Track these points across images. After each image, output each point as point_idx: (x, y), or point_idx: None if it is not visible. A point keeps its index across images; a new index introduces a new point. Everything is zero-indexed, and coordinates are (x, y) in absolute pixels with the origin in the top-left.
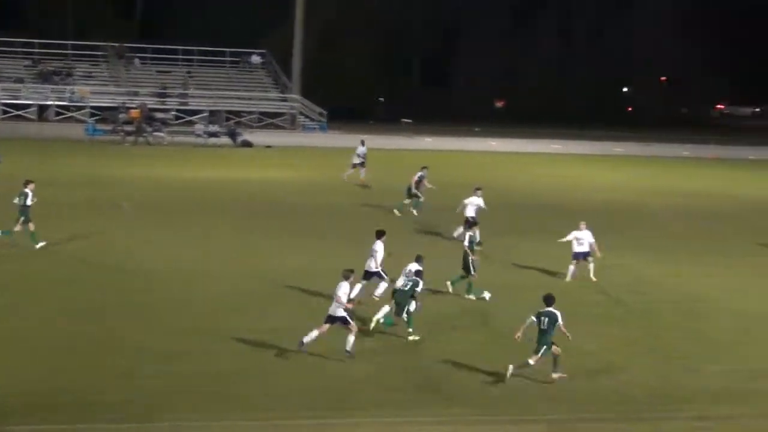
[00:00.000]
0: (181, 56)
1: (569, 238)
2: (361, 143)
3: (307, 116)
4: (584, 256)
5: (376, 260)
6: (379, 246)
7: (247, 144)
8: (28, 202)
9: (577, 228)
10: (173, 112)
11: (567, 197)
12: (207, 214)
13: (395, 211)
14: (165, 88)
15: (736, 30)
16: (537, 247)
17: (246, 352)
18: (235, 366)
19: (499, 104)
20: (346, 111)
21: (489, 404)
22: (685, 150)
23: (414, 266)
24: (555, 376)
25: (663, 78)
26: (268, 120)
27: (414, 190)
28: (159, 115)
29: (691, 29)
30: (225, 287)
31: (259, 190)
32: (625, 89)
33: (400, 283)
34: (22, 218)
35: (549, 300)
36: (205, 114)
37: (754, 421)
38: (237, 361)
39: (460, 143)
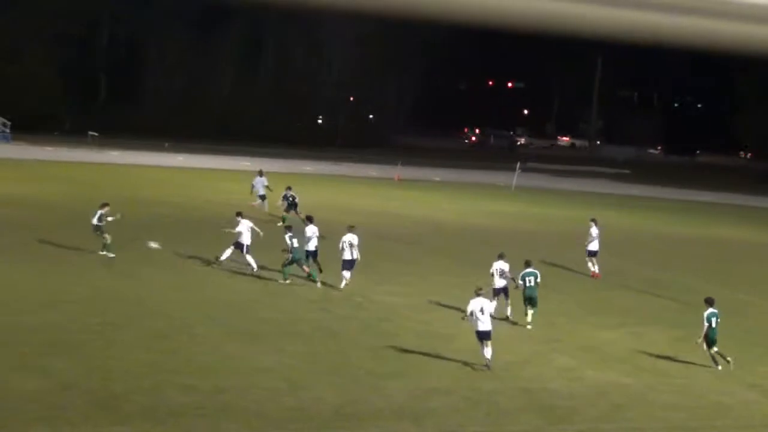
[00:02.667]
0: None
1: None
2: (259, 174)
3: None
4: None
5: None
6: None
7: None
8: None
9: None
10: None
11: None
12: None
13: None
14: None
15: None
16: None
17: None
18: None
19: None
20: (30, 121)
21: (162, 420)
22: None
23: (501, 264)
24: None
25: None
26: None
27: None
28: None
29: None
30: None
31: None
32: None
33: (500, 283)
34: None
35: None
36: None
37: None
38: None
39: (147, 158)
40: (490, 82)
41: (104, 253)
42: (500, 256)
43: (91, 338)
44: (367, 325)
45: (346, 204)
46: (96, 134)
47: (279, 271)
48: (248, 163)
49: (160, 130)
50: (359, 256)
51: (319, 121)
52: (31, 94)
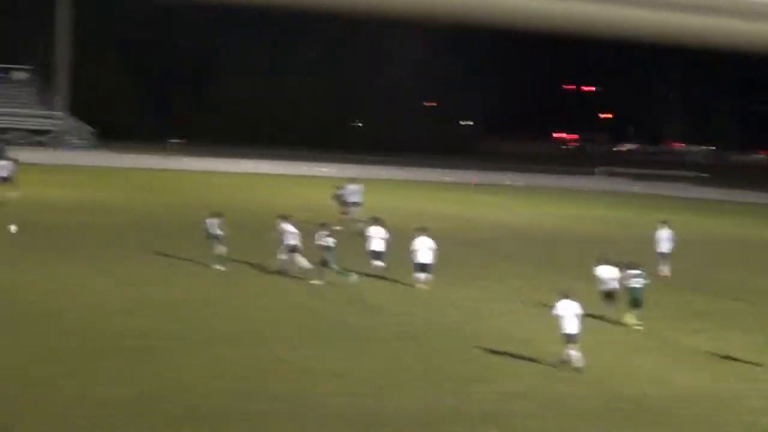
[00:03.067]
0: None
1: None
2: (344, 187)
3: (73, 134)
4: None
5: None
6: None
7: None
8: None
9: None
10: None
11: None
12: None
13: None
14: None
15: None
16: None
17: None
18: None
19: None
20: (113, 130)
21: (250, 427)
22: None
23: (607, 268)
24: None
25: (430, 103)
26: (34, 137)
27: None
28: None
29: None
30: None
31: (24, 208)
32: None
33: (607, 286)
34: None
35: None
36: None
37: None
38: None
39: (226, 165)
40: (568, 86)
41: (218, 267)
42: (603, 260)
43: (171, 345)
44: (447, 328)
45: (421, 209)
46: (176, 141)
47: (339, 273)
48: (326, 169)
49: (239, 137)
50: (434, 260)
51: (396, 126)
52: (113, 103)
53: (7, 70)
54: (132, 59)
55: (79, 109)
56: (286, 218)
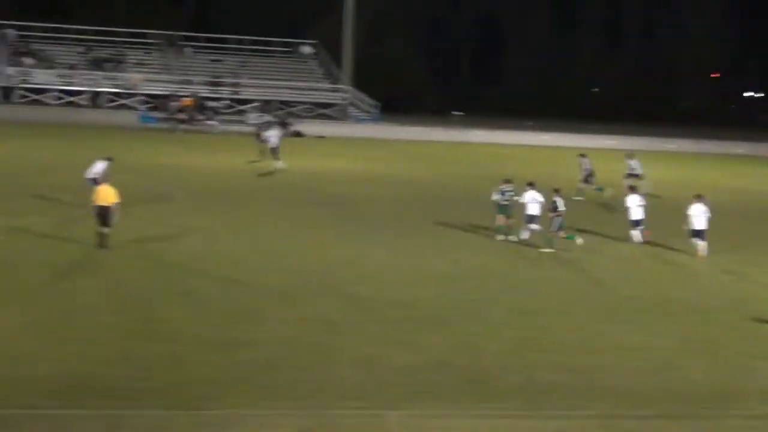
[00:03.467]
0: (232, 45)
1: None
2: (628, 156)
3: (358, 107)
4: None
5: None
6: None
7: (298, 134)
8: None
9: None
10: (225, 101)
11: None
12: (256, 203)
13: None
14: (217, 77)
15: None
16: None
17: (292, 341)
18: (282, 355)
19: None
20: (396, 102)
21: (533, 398)
22: (739, 147)
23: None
24: None
25: (715, 74)
26: (320, 110)
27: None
28: (211, 104)
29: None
30: (272, 276)
31: (310, 179)
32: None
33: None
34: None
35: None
36: (256, 103)
37: None
38: (283, 350)
39: (511, 137)
40: None
41: (503, 237)
42: None
43: (460, 314)
44: (736, 303)
45: (701, 181)
46: (459, 113)
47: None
48: (610, 142)
49: (522, 109)
50: (707, 227)
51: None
52: (397, 77)
53: (295, 45)
54: (417, 34)
55: (363, 82)
56: (533, 184)
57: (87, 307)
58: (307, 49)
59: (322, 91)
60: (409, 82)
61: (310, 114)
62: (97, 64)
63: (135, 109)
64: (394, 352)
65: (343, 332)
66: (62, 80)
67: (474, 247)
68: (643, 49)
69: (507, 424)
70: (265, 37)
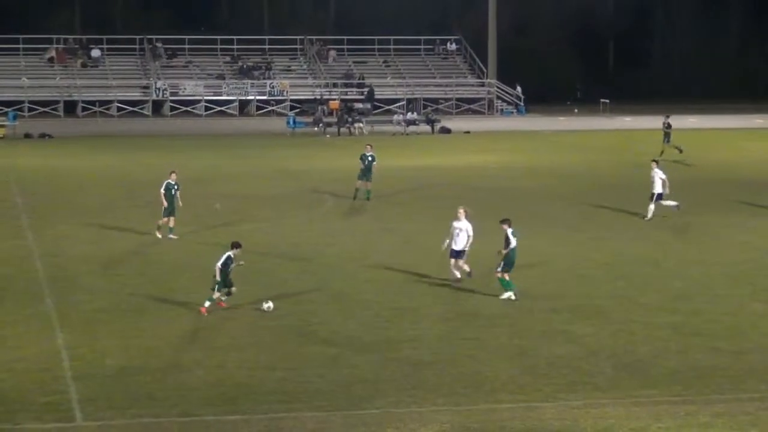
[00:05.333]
0: (376, 46)
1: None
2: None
3: (504, 100)
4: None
5: None
6: None
7: (445, 131)
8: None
9: None
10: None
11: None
12: (407, 201)
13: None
14: (363, 78)
15: None
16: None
17: (444, 338)
18: (435, 353)
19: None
20: (542, 93)
21: (690, 383)
22: None
23: None
24: None
25: None
26: (465, 106)
27: None
28: (358, 105)
29: None
30: (425, 273)
31: (461, 175)
32: None
33: None
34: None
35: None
36: (402, 102)
37: None
38: (436, 348)
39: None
40: None
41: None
42: None
43: (614, 303)
44: None
45: None
46: (607, 101)
47: None
48: (761, 121)
49: (671, 94)
50: None
51: None
52: (542, 66)
53: (439, 42)
54: (562, 26)
55: (507, 76)
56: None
57: (237, 312)
58: (451, 46)
59: (468, 86)
60: (555, 72)
61: (456, 110)
62: (244, 73)
63: (283, 115)
64: (549, 342)
65: (496, 325)
66: (210, 90)
67: (625, 235)
68: None
69: (665, 410)
70: (407, 35)
